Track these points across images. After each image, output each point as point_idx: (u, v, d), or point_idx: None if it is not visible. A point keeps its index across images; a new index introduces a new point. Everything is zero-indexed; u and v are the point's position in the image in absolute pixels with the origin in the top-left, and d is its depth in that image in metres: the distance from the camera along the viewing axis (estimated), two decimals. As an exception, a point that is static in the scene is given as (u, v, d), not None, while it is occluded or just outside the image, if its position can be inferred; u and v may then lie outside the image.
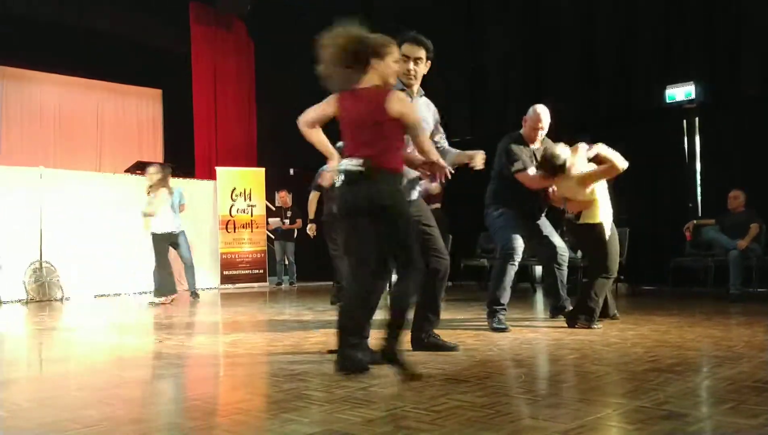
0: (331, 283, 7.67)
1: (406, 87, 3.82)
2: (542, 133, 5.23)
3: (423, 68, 3.89)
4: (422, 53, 3.83)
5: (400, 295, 3.24)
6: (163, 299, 8.02)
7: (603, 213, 4.92)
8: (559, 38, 9.85)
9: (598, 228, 4.88)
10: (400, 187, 3.34)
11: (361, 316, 3.29)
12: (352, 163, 3.18)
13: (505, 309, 4.96)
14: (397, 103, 3.21)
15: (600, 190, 4.92)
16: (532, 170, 5.06)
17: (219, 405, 2.90)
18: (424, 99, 4.03)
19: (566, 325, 4.90)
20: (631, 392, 2.77)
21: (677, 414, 2.43)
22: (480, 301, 7.65)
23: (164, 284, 8.09)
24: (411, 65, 3.81)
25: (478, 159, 3.94)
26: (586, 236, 4.97)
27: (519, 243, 5.00)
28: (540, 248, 5.33)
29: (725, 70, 8.37)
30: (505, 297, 4.97)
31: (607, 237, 4.90)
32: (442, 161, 3.41)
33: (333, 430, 2.29)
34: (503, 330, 4.78)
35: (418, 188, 3.85)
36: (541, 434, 2.19)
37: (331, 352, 3.37)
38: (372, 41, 3.27)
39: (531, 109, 5.22)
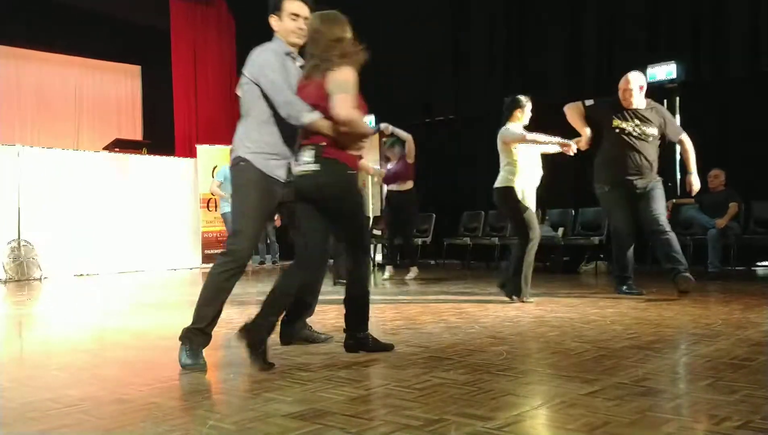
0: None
1: (293, 47, 3.37)
2: (636, 94, 5.66)
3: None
4: (308, 12, 3.35)
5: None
6: None
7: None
8: (543, 18, 9.81)
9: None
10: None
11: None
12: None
13: None
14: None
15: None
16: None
17: (201, 384, 2.89)
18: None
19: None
20: (610, 369, 2.80)
21: (655, 390, 2.46)
22: (463, 279, 7.70)
23: None
24: (301, 23, 3.33)
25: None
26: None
27: None
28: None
29: (707, 50, 8.39)
30: None
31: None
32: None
33: (316, 408, 2.29)
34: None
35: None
36: (521, 410, 2.21)
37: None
38: None
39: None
